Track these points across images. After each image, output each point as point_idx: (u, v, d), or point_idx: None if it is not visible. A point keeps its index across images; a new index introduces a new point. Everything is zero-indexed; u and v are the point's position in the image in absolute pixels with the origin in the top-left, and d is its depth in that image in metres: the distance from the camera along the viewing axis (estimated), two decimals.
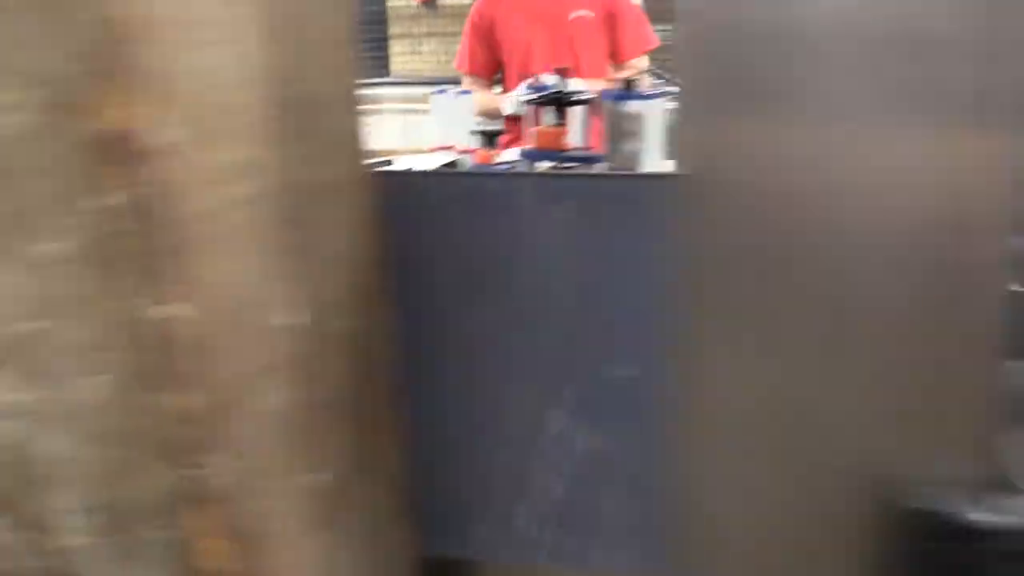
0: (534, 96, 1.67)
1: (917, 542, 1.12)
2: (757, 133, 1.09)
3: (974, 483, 1.11)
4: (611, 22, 2.20)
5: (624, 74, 2.12)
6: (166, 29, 0.78)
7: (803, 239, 1.11)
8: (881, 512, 1.15)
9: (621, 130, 1.48)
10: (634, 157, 1.48)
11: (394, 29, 4.80)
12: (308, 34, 1.01)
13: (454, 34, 5.32)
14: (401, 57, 4.81)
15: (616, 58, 2.24)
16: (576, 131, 1.65)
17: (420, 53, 4.78)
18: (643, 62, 2.25)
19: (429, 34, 4.77)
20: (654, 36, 2.28)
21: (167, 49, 0.78)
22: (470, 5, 2.34)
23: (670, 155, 1.45)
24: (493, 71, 2.32)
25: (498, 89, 2.39)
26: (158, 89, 0.77)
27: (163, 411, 0.82)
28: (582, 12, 2.18)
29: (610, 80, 2.15)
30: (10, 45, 0.74)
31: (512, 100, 2.03)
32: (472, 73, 2.33)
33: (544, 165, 1.58)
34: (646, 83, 2.15)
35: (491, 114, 2.22)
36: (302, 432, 0.99)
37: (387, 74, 4.72)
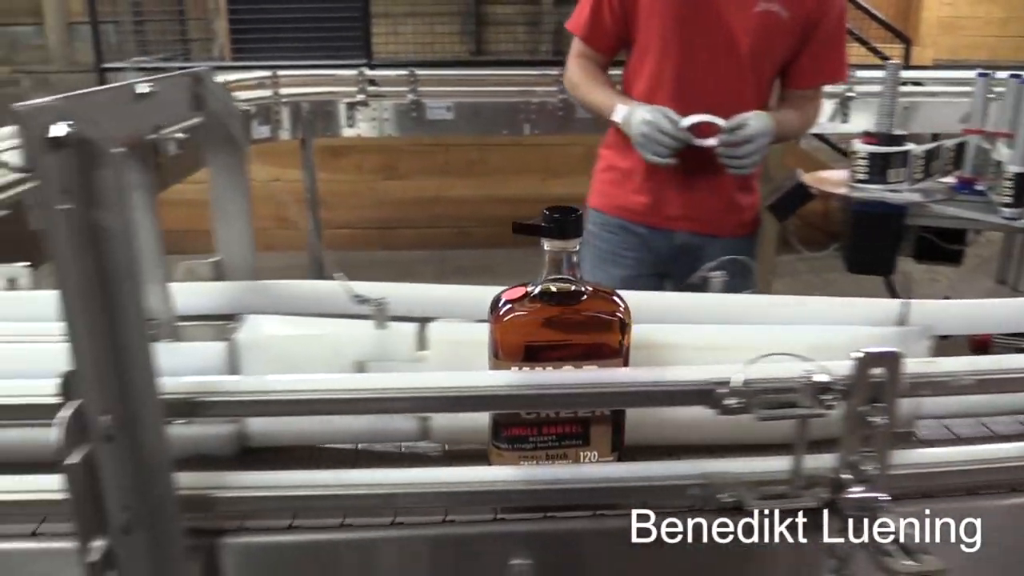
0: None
1: None
2: None
3: None
4: (809, 31, 1.47)
5: (796, 106, 1.54)
6: None
7: None
8: None
9: None
10: None
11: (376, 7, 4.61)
12: None
13: (436, 15, 5.11)
14: (382, 39, 4.63)
15: (794, 81, 1.53)
16: None
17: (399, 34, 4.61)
18: (820, 94, 1.59)
19: (410, 14, 4.58)
20: (847, 64, 1.60)
21: None
22: None
23: None
24: (615, 49, 1.58)
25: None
26: None
27: None
28: (773, 7, 1.43)
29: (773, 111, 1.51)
30: None
31: (632, 114, 1.44)
32: (585, 41, 1.56)
33: None
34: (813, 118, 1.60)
35: (593, 111, 1.57)
36: None
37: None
